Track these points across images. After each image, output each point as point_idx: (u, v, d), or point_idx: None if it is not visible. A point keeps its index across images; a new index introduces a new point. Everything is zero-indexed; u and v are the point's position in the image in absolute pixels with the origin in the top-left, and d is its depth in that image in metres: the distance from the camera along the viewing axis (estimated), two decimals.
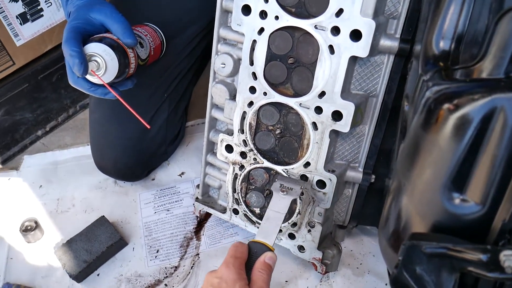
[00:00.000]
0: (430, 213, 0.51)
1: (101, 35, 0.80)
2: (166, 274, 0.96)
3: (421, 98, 0.51)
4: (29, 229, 1.02)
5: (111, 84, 0.81)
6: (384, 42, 0.69)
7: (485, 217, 0.46)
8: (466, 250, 0.45)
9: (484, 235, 0.47)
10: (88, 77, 0.79)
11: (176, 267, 0.97)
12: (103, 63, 0.77)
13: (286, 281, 0.93)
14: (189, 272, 0.96)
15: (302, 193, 0.78)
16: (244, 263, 0.66)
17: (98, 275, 0.96)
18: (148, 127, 0.80)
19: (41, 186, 1.15)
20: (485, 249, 0.43)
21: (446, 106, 0.47)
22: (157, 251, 1.00)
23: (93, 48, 0.77)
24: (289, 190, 0.78)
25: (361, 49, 0.66)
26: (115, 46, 0.79)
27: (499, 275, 0.43)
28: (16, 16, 1.13)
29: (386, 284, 0.91)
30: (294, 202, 0.79)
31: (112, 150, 1.07)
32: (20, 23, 1.15)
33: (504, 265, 0.41)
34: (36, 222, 1.03)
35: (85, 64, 0.75)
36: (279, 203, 0.76)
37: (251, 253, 0.68)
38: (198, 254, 0.99)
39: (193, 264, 0.97)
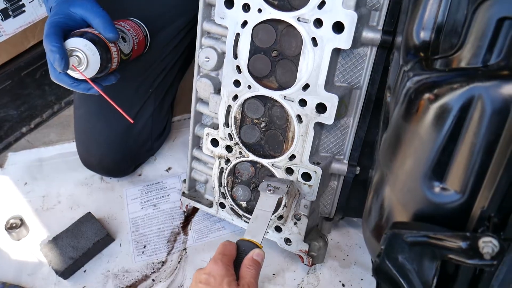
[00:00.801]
0: (411, 202, 0.51)
1: (82, 30, 0.79)
2: (153, 269, 0.96)
3: (402, 89, 0.52)
4: (14, 226, 1.01)
5: (94, 79, 0.81)
6: (367, 34, 0.69)
7: (464, 205, 0.47)
8: (446, 238, 0.45)
9: (464, 223, 0.48)
10: (70, 72, 0.78)
11: (163, 262, 0.97)
12: (84, 58, 0.77)
13: (274, 274, 0.93)
14: (177, 267, 0.96)
15: (288, 192, 0.79)
16: (233, 260, 0.66)
17: (85, 271, 0.96)
18: (132, 121, 0.79)
19: (26, 183, 1.14)
20: (465, 236, 0.44)
21: (426, 96, 0.48)
22: (144, 247, 1.00)
23: (74, 43, 0.76)
24: (276, 189, 0.79)
25: (344, 41, 0.67)
26: (96, 41, 0.78)
27: (478, 261, 0.43)
28: None
29: (372, 275, 0.92)
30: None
31: (97, 146, 1.06)
32: (2, 19, 1.13)
33: (483, 251, 0.42)
34: (21, 220, 1.02)
35: (66, 59, 0.74)
36: (266, 202, 0.77)
37: (239, 251, 0.68)
38: (186, 248, 0.99)
39: (181, 258, 0.97)
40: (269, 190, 0.78)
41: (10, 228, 1.01)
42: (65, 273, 0.93)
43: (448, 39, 0.51)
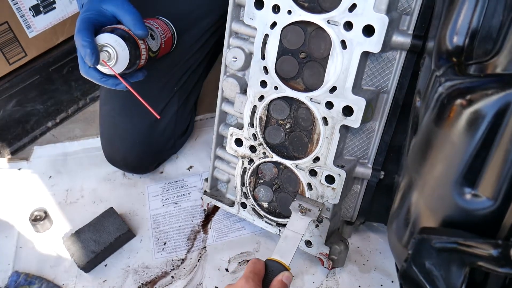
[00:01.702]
0: (440, 208, 0.51)
1: (112, 26, 0.81)
2: (173, 266, 0.97)
3: (434, 94, 0.51)
4: (39, 218, 1.03)
5: (122, 75, 0.82)
6: (397, 38, 0.69)
7: (496, 213, 0.46)
8: (476, 245, 0.45)
9: (495, 231, 0.47)
10: (99, 67, 0.80)
11: (183, 259, 0.98)
12: (114, 53, 0.78)
13: (293, 276, 0.93)
14: (196, 265, 0.97)
15: (320, 215, 0.79)
16: (261, 280, 0.67)
17: (105, 265, 0.97)
18: (158, 117, 0.80)
19: (50, 176, 1.16)
20: (496, 244, 0.43)
21: (459, 101, 0.47)
22: (165, 244, 1.01)
23: (104, 38, 0.78)
24: (308, 211, 0.79)
25: (374, 44, 0.67)
26: (126, 37, 0.79)
27: (510, 270, 0.43)
28: (29, 8, 1.14)
29: (392, 281, 0.91)
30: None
31: (122, 143, 1.08)
32: (33, 15, 1.16)
33: None
34: (45, 212, 1.04)
35: (97, 54, 0.76)
36: (297, 223, 0.77)
37: (267, 271, 0.69)
38: (205, 247, 1.00)
39: (200, 257, 0.98)
40: (301, 212, 0.79)
41: (34, 220, 1.03)
42: (87, 266, 0.95)
43: (482, 45, 0.51)
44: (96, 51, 0.76)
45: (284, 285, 0.67)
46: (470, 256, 0.46)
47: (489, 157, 0.45)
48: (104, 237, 0.97)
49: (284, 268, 0.69)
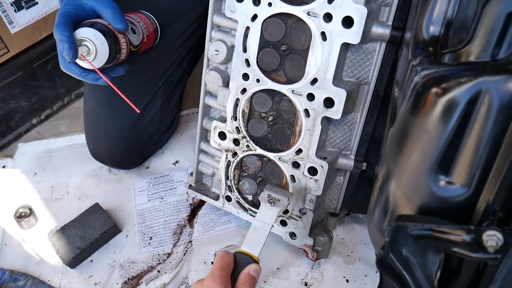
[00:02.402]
0: (417, 196, 0.51)
1: (92, 20, 0.80)
2: (159, 260, 0.97)
3: (410, 83, 0.52)
4: (23, 215, 1.03)
5: (102, 70, 0.82)
6: (376, 30, 0.69)
7: (470, 199, 0.47)
8: (450, 231, 0.46)
9: (469, 217, 0.48)
10: (78, 62, 0.79)
11: (169, 254, 0.98)
12: (93, 48, 0.78)
13: (278, 268, 0.93)
14: (182, 259, 0.97)
15: (288, 204, 0.79)
16: (230, 275, 0.66)
17: (91, 261, 0.97)
18: (138, 111, 0.80)
19: (35, 173, 1.16)
20: (469, 229, 0.44)
21: (434, 90, 0.48)
22: (151, 238, 1.01)
23: (83, 33, 0.77)
24: (277, 201, 0.79)
25: (353, 35, 0.67)
26: (105, 31, 0.79)
27: (482, 255, 0.43)
28: (11, 3, 1.13)
29: (376, 272, 0.92)
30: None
31: (106, 138, 1.07)
32: (15, 10, 1.14)
33: (487, 244, 0.42)
34: (30, 209, 1.03)
35: (75, 48, 0.76)
36: (266, 214, 0.77)
37: (236, 264, 0.68)
38: (191, 241, 1.00)
39: (186, 251, 0.98)
40: (270, 202, 0.79)
41: (19, 217, 1.02)
42: (72, 262, 0.94)
43: (457, 34, 0.51)
44: (74, 45, 0.75)
45: (251, 278, 0.66)
46: (445, 242, 0.47)
47: (462, 144, 0.46)
48: (90, 232, 0.97)
49: (253, 260, 0.69)
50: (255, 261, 0.69)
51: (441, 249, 0.47)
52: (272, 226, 0.76)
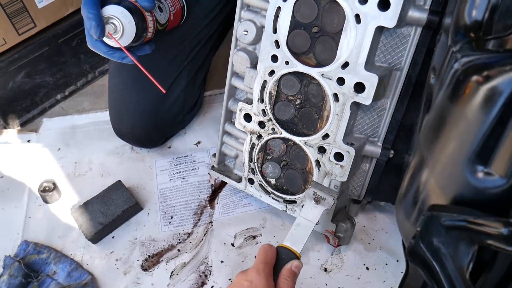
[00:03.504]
0: (451, 186, 0.50)
1: None
2: (179, 240, 0.98)
3: (450, 70, 0.50)
4: (47, 189, 1.04)
5: (129, 48, 0.81)
6: (413, 13, 0.67)
7: (508, 191, 0.45)
8: (486, 223, 0.44)
9: (506, 210, 0.46)
10: (105, 40, 0.79)
11: (189, 233, 0.99)
12: (120, 26, 0.77)
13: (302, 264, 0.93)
14: (202, 239, 0.97)
15: (333, 204, 0.79)
16: (272, 268, 0.68)
17: (113, 237, 0.98)
18: (164, 91, 0.79)
19: (59, 149, 1.17)
20: (507, 222, 0.43)
21: (475, 77, 0.46)
22: (171, 217, 1.01)
23: (110, 10, 0.77)
24: (322, 200, 0.79)
25: (389, 19, 0.65)
26: (133, 9, 0.78)
27: None
28: None
29: (397, 261, 0.92)
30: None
31: (130, 116, 1.07)
32: None
33: None
34: (54, 184, 1.05)
35: (102, 26, 0.75)
36: (311, 212, 0.78)
37: (278, 258, 0.70)
38: (212, 222, 1.00)
39: (206, 231, 0.99)
40: (316, 200, 0.79)
41: (43, 191, 1.04)
42: (94, 238, 0.96)
43: (502, 20, 0.49)
44: (101, 23, 0.75)
45: (293, 273, 0.68)
46: (480, 234, 0.45)
47: (504, 135, 0.44)
48: (112, 209, 0.98)
49: (295, 256, 0.70)
50: (297, 257, 0.70)
51: (475, 241, 0.46)
52: (316, 224, 0.76)
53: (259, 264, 0.67)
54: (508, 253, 0.44)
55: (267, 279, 0.65)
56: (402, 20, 0.67)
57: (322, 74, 0.74)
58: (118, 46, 0.79)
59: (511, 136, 0.44)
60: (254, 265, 0.67)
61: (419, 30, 0.69)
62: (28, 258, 0.93)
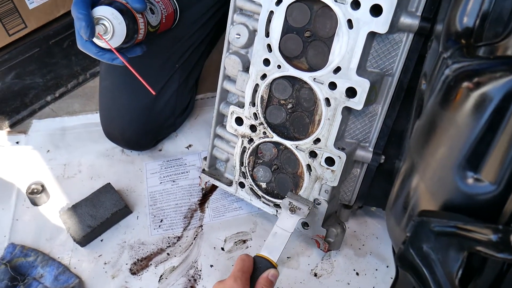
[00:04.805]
0: (441, 191, 0.50)
1: None
2: (169, 243, 0.97)
3: (440, 76, 0.50)
4: (36, 192, 1.03)
5: (119, 50, 0.81)
6: (405, 20, 0.67)
7: (498, 198, 0.46)
8: (476, 229, 0.44)
9: (495, 216, 0.46)
10: (95, 40, 0.79)
11: (179, 237, 0.98)
12: (110, 27, 0.77)
13: (288, 257, 0.93)
14: (192, 243, 0.96)
15: (308, 214, 0.82)
16: (249, 277, 0.70)
17: (101, 240, 0.97)
18: (154, 93, 0.79)
19: (48, 151, 1.16)
20: (496, 229, 0.43)
21: (465, 84, 0.46)
22: (161, 221, 1.01)
23: (101, 11, 0.76)
24: (297, 209, 0.81)
25: (381, 25, 0.65)
26: (123, 10, 0.78)
27: (508, 255, 0.42)
28: None
29: (387, 266, 0.91)
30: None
31: (120, 118, 1.07)
32: None
33: None
34: (42, 186, 1.04)
35: (92, 27, 0.75)
36: (287, 221, 0.80)
37: (255, 267, 0.71)
38: (202, 225, 1.00)
39: (196, 235, 0.98)
40: (291, 210, 0.81)
41: (31, 193, 1.03)
42: (83, 240, 0.94)
43: (492, 27, 0.49)
44: (91, 24, 0.74)
45: (270, 282, 0.69)
46: (469, 241, 0.45)
47: (494, 141, 0.45)
48: (101, 212, 0.97)
49: (272, 265, 0.72)
50: (274, 266, 0.72)
51: (465, 247, 0.46)
52: (291, 233, 0.78)
53: (237, 272, 0.68)
54: (497, 259, 0.44)
55: (244, 287, 0.67)
56: (394, 26, 0.67)
57: (314, 79, 0.74)
58: (108, 47, 0.78)
59: (501, 143, 0.44)
60: (232, 273, 0.68)
61: (411, 36, 0.69)
62: (14, 261, 0.92)
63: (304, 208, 0.81)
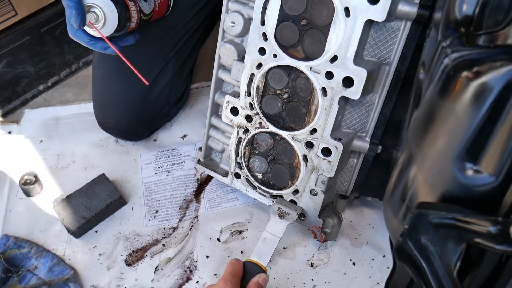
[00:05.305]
0: (440, 183, 0.49)
1: None
2: (164, 234, 0.96)
3: (439, 65, 0.49)
4: (29, 182, 1.02)
5: (111, 38, 0.79)
6: (403, 7, 0.66)
7: (497, 190, 0.45)
8: (475, 221, 0.44)
9: (495, 208, 0.46)
10: (87, 29, 0.77)
11: (174, 228, 0.97)
12: (102, 15, 0.75)
13: (284, 248, 0.93)
14: (187, 234, 0.96)
15: (297, 218, 0.83)
16: (239, 281, 0.71)
17: (96, 231, 0.96)
18: (146, 83, 0.78)
19: (41, 141, 1.14)
20: (496, 220, 0.42)
21: (465, 73, 0.45)
22: (156, 212, 1.00)
23: None
24: (286, 215, 0.83)
25: (378, 12, 0.64)
26: None
27: (508, 247, 0.42)
28: None
29: (384, 256, 0.91)
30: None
31: (114, 108, 1.05)
32: None
33: None
34: (35, 176, 1.02)
35: (83, 15, 0.73)
36: (276, 227, 0.82)
37: (245, 272, 0.73)
38: (197, 216, 0.99)
39: (192, 226, 0.97)
40: (280, 216, 0.83)
41: (24, 184, 1.01)
42: (77, 232, 0.94)
43: (493, 15, 0.48)
44: (82, 12, 0.73)
45: (260, 286, 0.71)
46: (468, 233, 0.45)
47: (494, 132, 0.44)
48: (95, 203, 0.96)
49: (261, 269, 0.74)
50: (263, 270, 0.74)
51: (464, 239, 0.46)
52: (281, 238, 0.80)
53: (227, 276, 0.69)
54: (495, 251, 0.44)
55: None
56: (392, 14, 0.66)
57: (311, 68, 0.72)
58: (100, 36, 0.77)
59: (501, 134, 0.43)
60: (222, 277, 0.69)
61: (408, 24, 0.68)
62: (8, 253, 0.91)
63: (292, 213, 0.83)
